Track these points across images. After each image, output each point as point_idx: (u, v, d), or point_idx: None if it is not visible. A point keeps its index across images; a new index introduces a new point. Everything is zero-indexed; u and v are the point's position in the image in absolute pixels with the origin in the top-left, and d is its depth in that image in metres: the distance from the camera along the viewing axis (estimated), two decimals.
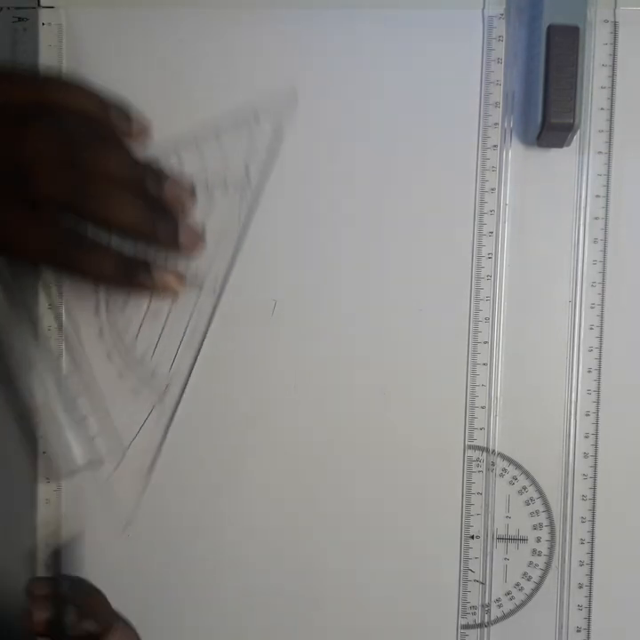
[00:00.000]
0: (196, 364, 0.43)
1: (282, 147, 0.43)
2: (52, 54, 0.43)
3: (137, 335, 0.43)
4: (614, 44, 0.42)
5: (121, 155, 0.39)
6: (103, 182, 0.38)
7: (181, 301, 0.43)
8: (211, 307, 0.43)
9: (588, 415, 0.43)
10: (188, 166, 0.43)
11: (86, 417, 0.43)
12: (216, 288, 0.43)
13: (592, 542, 0.43)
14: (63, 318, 0.43)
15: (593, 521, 0.43)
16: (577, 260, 0.43)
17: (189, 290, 0.43)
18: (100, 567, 0.43)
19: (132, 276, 0.39)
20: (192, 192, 0.41)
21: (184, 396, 0.43)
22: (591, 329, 0.43)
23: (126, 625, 0.40)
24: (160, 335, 0.43)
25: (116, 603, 0.41)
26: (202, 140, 0.43)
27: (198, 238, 0.41)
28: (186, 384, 0.43)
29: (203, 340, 0.43)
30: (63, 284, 0.43)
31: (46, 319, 0.43)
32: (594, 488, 0.43)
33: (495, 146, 0.43)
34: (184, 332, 0.43)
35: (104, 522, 0.44)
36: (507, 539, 0.43)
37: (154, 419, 0.43)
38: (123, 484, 0.44)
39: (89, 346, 0.43)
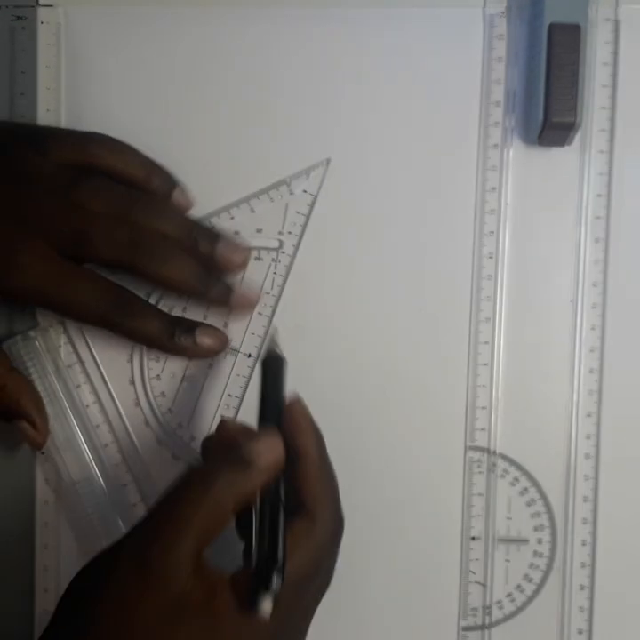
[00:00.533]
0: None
1: (278, 146, 0.43)
2: (50, 53, 0.43)
3: (174, 401, 0.43)
4: (616, 42, 0.42)
5: (172, 213, 0.41)
6: (158, 240, 0.39)
7: (218, 366, 0.43)
8: (248, 371, 0.43)
9: (589, 416, 0.43)
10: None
11: (126, 485, 0.43)
12: (251, 352, 0.43)
13: (594, 544, 0.43)
14: (97, 389, 0.43)
15: (594, 522, 0.43)
16: (578, 260, 0.42)
17: (226, 353, 0.43)
18: None
19: (175, 337, 0.41)
20: (245, 252, 0.42)
21: None
22: (593, 329, 0.42)
23: None
24: (197, 401, 0.43)
25: None
26: (236, 209, 0.43)
27: (249, 300, 0.42)
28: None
29: (240, 404, 0.43)
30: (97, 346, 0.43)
31: (83, 392, 0.43)
32: (595, 489, 0.43)
33: (496, 145, 0.42)
34: (221, 397, 0.43)
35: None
36: (508, 540, 0.43)
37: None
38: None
39: (127, 414, 0.43)
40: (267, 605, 0.32)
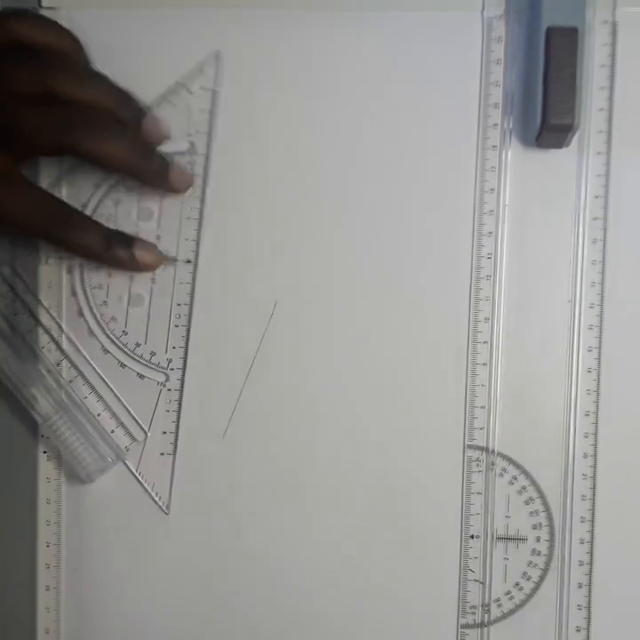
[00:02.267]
0: (196, 349, 0.43)
1: (282, 146, 0.43)
2: None
3: (126, 323, 0.43)
4: (613, 44, 0.42)
5: (97, 80, 0.39)
6: (91, 116, 0.38)
7: (160, 280, 0.43)
8: (190, 277, 0.43)
9: (587, 415, 0.43)
10: None
11: (99, 414, 0.43)
12: (190, 258, 0.43)
13: (592, 542, 0.43)
14: (49, 328, 0.44)
15: (592, 521, 0.43)
16: (576, 260, 0.43)
17: (166, 265, 0.43)
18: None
19: (113, 251, 0.40)
20: (167, 129, 0.41)
21: (188, 381, 0.44)
22: (590, 329, 0.43)
23: None
24: (148, 317, 0.43)
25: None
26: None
27: (187, 178, 0.41)
28: (186, 357, 0.43)
29: (191, 311, 0.43)
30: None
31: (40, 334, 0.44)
32: (593, 488, 0.43)
33: (495, 146, 0.43)
34: (170, 308, 0.43)
35: (143, 509, 0.44)
36: (506, 538, 0.43)
37: (164, 399, 0.44)
38: (152, 469, 0.44)
39: (83, 345, 0.44)
40: None
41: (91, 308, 0.43)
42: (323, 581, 0.44)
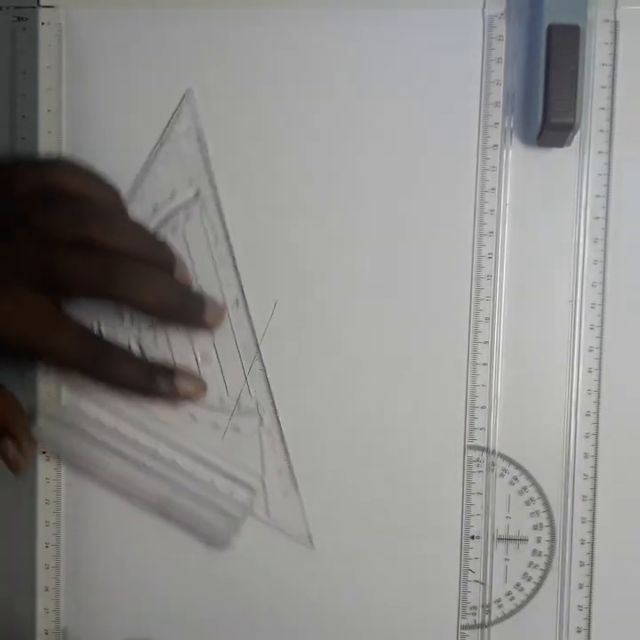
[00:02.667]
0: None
1: (281, 146, 0.43)
2: (51, 54, 0.43)
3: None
4: (615, 43, 0.42)
5: (134, 228, 0.40)
6: (128, 264, 0.38)
7: (220, 332, 0.43)
8: (245, 317, 0.43)
9: (588, 415, 0.43)
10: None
11: (211, 480, 0.43)
12: (237, 299, 0.43)
13: (592, 543, 0.43)
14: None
15: (593, 521, 0.43)
16: (577, 260, 0.43)
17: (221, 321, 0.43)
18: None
19: (155, 384, 0.40)
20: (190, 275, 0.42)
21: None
22: (591, 329, 0.43)
23: None
24: (221, 370, 0.43)
25: None
26: (141, 180, 0.43)
27: (222, 311, 0.42)
28: (271, 392, 0.43)
29: (259, 350, 0.43)
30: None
31: None
32: (594, 488, 0.43)
33: (495, 145, 0.43)
34: (238, 353, 0.43)
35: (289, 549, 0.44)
36: (507, 539, 0.43)
37: (267, 440, 0.43)
38: (281, 509, 0.43)
39: (172, 419, 0.43)
40: None
41: None
42: (323, 582, 0.44)
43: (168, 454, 0.43)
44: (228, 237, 0.43)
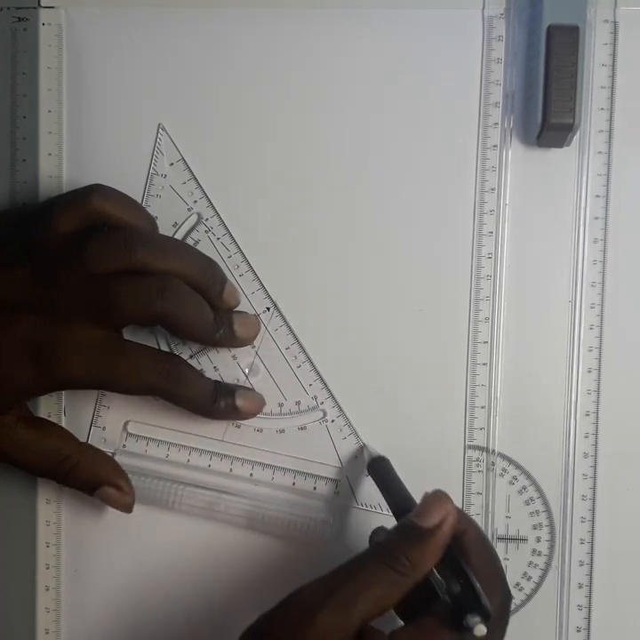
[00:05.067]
0: None
1: (281, 146, 0.43)
2: (51, 54, 0.43)
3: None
4: (614, 43, 0.42)
5: (181, 250, 0.40)
6: (178, 287, 0.38)
7: (260, 342, 0.43)
8: (281, 321, 0.43)
9: (587, 415, 0.43)
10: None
11: (293, 483, 0.43)
12: (270, 307, 0.43)
13: (592, 542, 0.43)
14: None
15: (593, 521, 0.43)
16: (577, 260, 0.43)
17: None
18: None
19: (218, 403, 0.41)
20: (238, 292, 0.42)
21: None
22: (591, 329, 0.43)
23: None
24: (271, 377, 0.43)
25: None
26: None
27: (255, 327, 0.42)
28: (325, 383, 0.43)
29: (301, 344, 0.43)
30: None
31: None
32: (594, 488, 0.43)
33: (495, 146, 0.43)
34: (284, 357, 0.43)
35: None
36: (507, 539, 0.43)
37: (336, 431, 0.43)
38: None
39: (238, 439, 0.44)
40: (481, 628, 0.33)
41: None
42: None
43: (242, 471, 0.43)
44: (240, 250, 0.43)
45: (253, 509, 0.43)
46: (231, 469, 0.43)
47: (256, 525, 0.43)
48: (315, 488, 0.43)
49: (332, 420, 0.43)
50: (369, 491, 0.43)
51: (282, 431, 0.43)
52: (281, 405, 0.43)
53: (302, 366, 0.43)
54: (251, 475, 0.43)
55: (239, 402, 0.41)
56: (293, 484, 0.43)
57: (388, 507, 0.40)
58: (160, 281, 0.38)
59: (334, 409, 0.43)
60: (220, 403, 0.41)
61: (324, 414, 0.43)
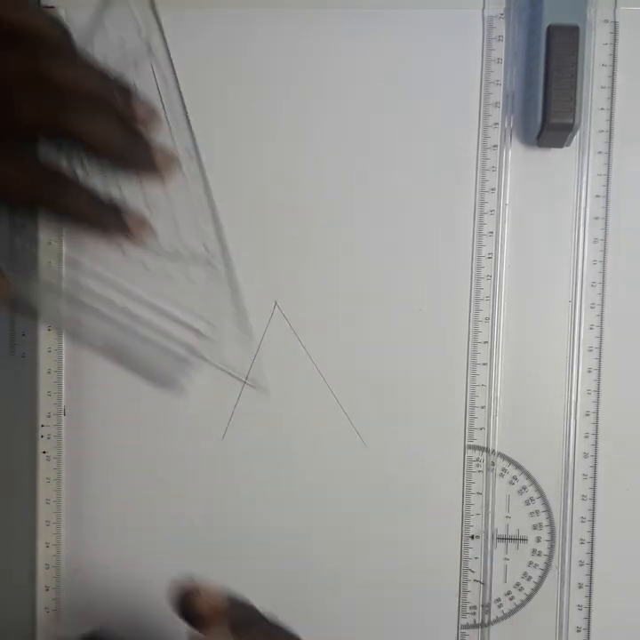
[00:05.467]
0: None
1: (281, 145, 0.43)
2: None
3: (155, 232, 0.41)
4: (614, 43, 0.42)
5: (86, 64, 0.38)
6: (80, 96, 0.37)
7: (172, 183, 0.41)
8: (198, 171, 0.42)
9: (587, 415, 0.43)
10: None
11: (164, 325, 0.43)
12: (191, 153, 0.42)
13: (592, 542, 0.43)
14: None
15: (593, 521, 0.43)
16: (577, 260, 0.43)
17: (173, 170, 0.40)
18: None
19: (105, 219, 0.39)
20: (155, 110, 0.40)
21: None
22: (591, 329, 0.43)
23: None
24: (174, 218, 0.42)
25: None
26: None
27: (172, 158, 0.40)
28: (223, 239, 0.42)
29: (211, 200, 0.42)
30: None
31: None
32: (594, 488, 0.43)
33: (495, 146, 0.43)
34: (192, 203, 0.42)
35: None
36: (507, 539, 0.43)
37: (216, 288, 0.43)
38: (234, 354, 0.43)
39: (124, 269, 0.43)
40: None
41: None
42: (323, 581, 0.44)
43: (120, 301, 0.43)
44: (178, 85, 0.42)
45: (113, 335, 0.42)
46: (112, 299, 0.42)
47: (111, 351, 0.42)
48: (182, 337, 0.43)
49: (220, 280, 0.43)
50: (237, 357, 0.43)
51: (168, 276, 0.43)
52: (175, 249, 0.42)
53: (207, 220, 0.42)
54: (126, 307, 0.42)
55: (130, 222, 0.39)
56: (163, 326, 0.43)
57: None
58: (61, 92, 0.37)
59: (226, 268, 0.43)
60: (110, 219, 0.39)
61: (214, 270, 0.43)
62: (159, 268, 0.42)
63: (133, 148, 0.39)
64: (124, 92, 0.39)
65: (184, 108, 0.42)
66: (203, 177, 0.42)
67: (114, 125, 0.38)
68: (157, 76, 0.42)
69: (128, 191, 0.41)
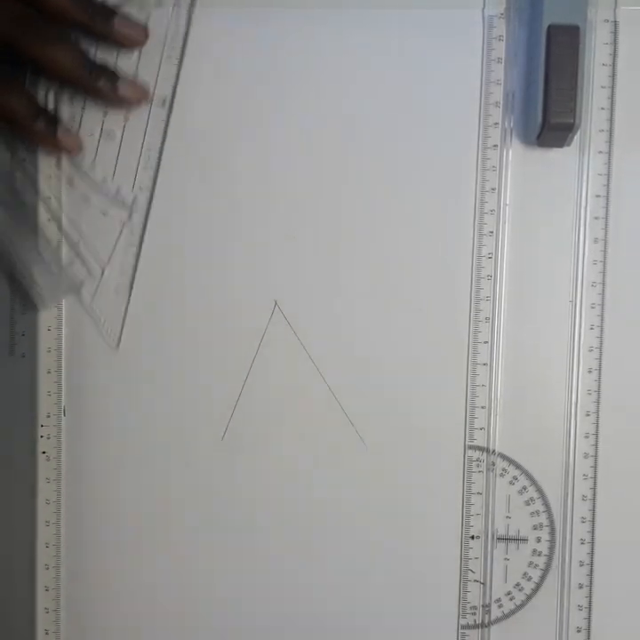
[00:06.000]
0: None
1: (281, 145, 0.43)
2: None
3: (94, 158, 0.43)
4: (614, 43, 0.42)
5: None
6: (47, 19, 0.37)
7: (134, 119, 0.43)
8: (163, 120, 0.43)
9: (588, 415, 0.43)
10: None
11: (58, 243, 0.43)
12: (166, 100, 0.43)
13: (592, 542, 0.43)
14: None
15: (593, 521, 0.43)
16: (577, 260, 0.43)
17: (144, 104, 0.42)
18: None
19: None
20: (143, 29, 0.41)
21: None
22: (591, 329, 0.43)
23: None
24: (118, 155, 0.43)
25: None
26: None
27: (141, 92, 0.41)
28: (151, 199, 0.43)
29: (160, 155, 0.43)
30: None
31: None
32: (594, 488, 0.43)
33: (495, 145, 0.43)
34: (140, 150, 0.43)
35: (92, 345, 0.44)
36: (507, 539, 0.43)
37: (126, 237, 0.43)
38: (105, 305, 0.44)
39: (47, 176, 0.43)
40: None
41: None
42: (323, 582, 0.44)
43: (32, 197, 0.43)
44: (188, 28, 0.43)
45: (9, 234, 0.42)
46: None
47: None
48: (71, 263, 0.43)
49: (131, 231, 0.43)
50: (109, 307, 0.44)
51: (87, 200, 0.43)
52: (104, 180, 0.43)
53: (147, 170, 0.43)
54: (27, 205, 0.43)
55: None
56: (58, 243, 0.43)
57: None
58: (25, 8, 0.37)
59: (140, 222, 0.43)
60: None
61: (129, 216, 0.43)
62: (82, 192, 0.43)
63: (97, 76, 0.39)
64: (107, 12, 0.39)
65: (182, 54, 0.42)
66: (164, 131, 0.42)
67: (72, 52, 0.38)
68: (173, 13, 0.42)
69: (90, 114, 0.42)
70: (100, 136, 0.43)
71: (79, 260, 0.43)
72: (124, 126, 0.43)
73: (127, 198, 0.43)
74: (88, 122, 0.43)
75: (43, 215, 0.43)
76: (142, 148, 0.43)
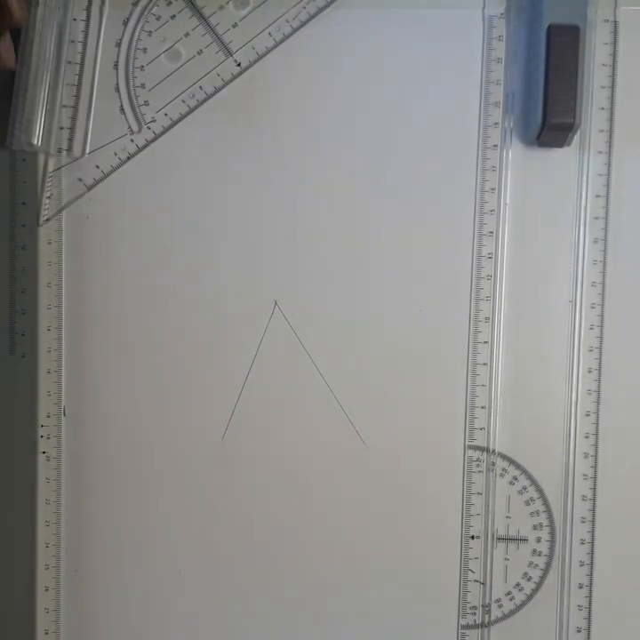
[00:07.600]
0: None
1: (280, 144, 0.43)
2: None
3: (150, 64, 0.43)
4: (614, 43, 0.42)
5: None
6: None
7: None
8: (225, 77, 0.43)
9: (588, 415, 0.43)
10: None
11: (63, 106, 0.43)
12: (242, 63, 0.43)
13: (592, 542, 0.43)
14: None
15: (593, 521, 0.43)
16: (577, 260, 0.43)
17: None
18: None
19: None
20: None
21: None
22: (591, 329, 0.43)
23: None
24: (170, 74, 0.42)
25: None
26: None
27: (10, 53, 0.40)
28: (164, 132, 0.43)
29: (199, 104, 0.43)
30: None
31: None
32: (594, 488, 0.43)
33: (495, 146, 0.43)
34: (192, 84, 0.43)
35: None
36: (507, 539, 0.43)
37: (119, 144, 0.43)
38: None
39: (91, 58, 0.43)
40: None
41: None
42: (323, 581, 0.44)
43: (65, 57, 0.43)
44: None
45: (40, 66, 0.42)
46: None
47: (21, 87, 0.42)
48: (62, 128, 0.43)
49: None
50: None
51: (117, 90, 0.43)
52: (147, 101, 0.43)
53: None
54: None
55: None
56: (64, 106, 0.43)
57: None
58: None
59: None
60: None
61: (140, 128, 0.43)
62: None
63: None
64: None
65: None
66: (219, 86, 0.43)
67: None
68: None
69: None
70: (168, 51, 0.43)
71: (74, 130, 0.43)
72: (192, 57, 0.43)
73: (147, 115, 0.43)
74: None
75: (69, 77, 0.42)
76: (193, 84, 0.43)
